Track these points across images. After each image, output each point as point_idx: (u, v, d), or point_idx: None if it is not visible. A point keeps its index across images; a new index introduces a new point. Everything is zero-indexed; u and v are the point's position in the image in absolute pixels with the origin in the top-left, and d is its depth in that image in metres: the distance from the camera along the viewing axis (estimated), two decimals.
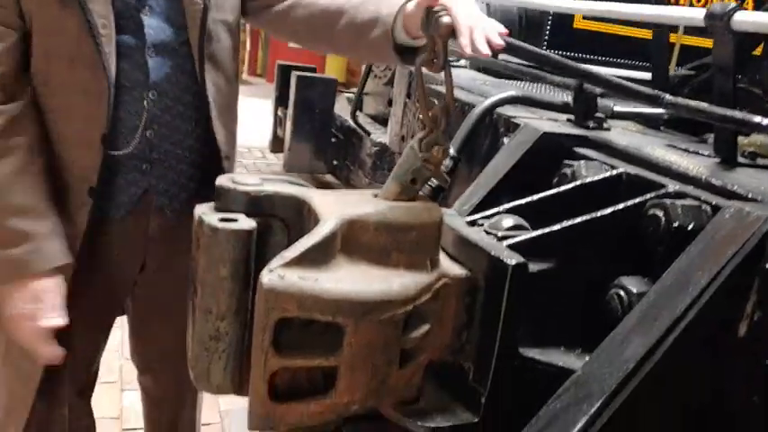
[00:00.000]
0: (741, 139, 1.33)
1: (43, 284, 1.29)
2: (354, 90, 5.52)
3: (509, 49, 1.28)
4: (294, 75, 4.62)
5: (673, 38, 4.02)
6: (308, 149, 4.64)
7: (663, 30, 1.74)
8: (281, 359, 0.87)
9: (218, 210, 1.02)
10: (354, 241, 0.94)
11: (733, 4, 1.24)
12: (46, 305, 1.30)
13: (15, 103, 1.26)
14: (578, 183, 1.17)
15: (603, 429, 0.85)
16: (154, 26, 1.33)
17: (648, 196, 1.06)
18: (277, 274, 0.85)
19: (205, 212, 0.98)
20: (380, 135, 3.95)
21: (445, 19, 0.95)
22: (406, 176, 0.98)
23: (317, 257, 0.89)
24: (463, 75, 2.37)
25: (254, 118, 6.30)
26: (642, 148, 1.26)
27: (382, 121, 4.35)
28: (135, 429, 2.29)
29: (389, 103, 3.43)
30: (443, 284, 1.01)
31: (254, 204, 1.01)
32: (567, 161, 1.25)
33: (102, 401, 2.41)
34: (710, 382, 0.91)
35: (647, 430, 0.88)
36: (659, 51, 1.70)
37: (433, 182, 1.45)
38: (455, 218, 1.13)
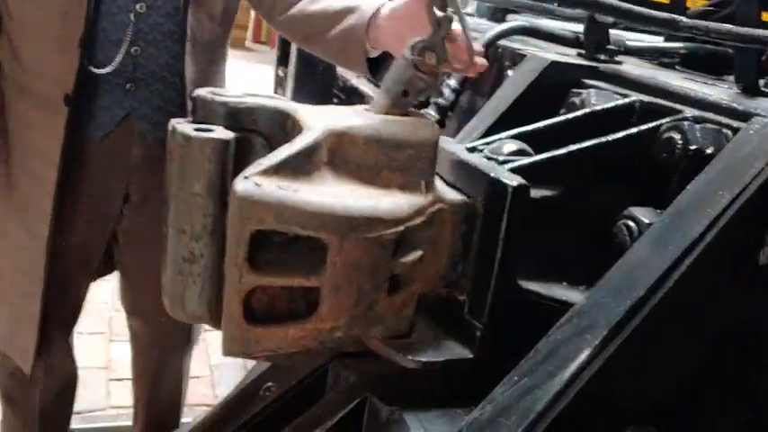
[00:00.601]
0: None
1: None
2: None
3: None
4: None
5: (689, 3, 3.90)
6: None
7: None
8: (258, 276, 0.80)
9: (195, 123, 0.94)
10: (342, 156, 0.86)
11: None
12: None
13: None
14: (588, 110, 1.09)
15: (608, 362, 0.78)
16: None
17: (664, 121, 0.98)
18: (253, 182, 0.77)
19: (179, 122, 0.90)
20: None
21: None
22: (396, 87, 0.89)
23: (299, 168, 0.81)
24: (469, 22, 2.27)
25: (258, 84, 6.20)
26: (657, 77, 1.18)
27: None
28: (122, 380, 2.25)
29: None
30: (438, 209, 0.93)
31: (234, 117, 0.93)
32: (575, 90, 1.16)
33: (90, 352, 2.37)
34: (732, 311, 0.83)
35: (658, 364, 0.81)
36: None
37: (433, 115, 1.37)
38: (453, 144, 1.05)
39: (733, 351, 0.84)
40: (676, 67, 1.49)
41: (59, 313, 1.47)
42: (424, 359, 0.92)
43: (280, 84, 5.10)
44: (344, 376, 1.00)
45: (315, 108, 0.94)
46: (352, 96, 4.30)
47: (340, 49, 1.25)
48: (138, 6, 1.25)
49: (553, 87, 1.22)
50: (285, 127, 0.93)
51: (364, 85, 4.09)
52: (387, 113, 0.90)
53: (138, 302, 1.63)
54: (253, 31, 11.51)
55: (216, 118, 0.93)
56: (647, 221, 0.94)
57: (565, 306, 0.95)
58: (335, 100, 4.62)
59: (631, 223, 0.95)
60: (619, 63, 1.32)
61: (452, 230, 0.95)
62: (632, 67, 1.29)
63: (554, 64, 1.22)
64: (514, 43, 1.42)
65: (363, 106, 0.94)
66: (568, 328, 0.82)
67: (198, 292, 0.92)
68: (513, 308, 0.94)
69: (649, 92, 1.13)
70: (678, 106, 1.04)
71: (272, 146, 0.97)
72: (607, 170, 0.99)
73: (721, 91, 1.13)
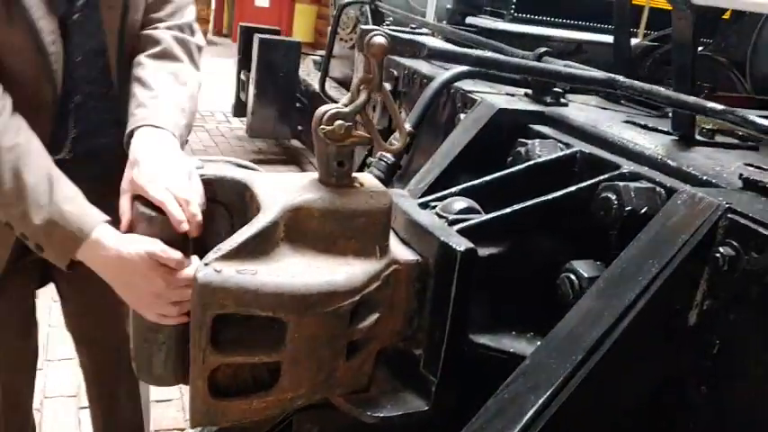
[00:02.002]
0: (701, 117, 1.31)
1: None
2: (321, 52, 5.42)
3: (452, 57, 1.23)
4: (256, 38, 4.51)
5: (642, 0, 3.97)
6: (271, 114, 4.54)
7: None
8: (221, 356, 0.84)
9: None
10: (299, 229, 0.90)
11: None
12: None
13: None
14: (531, 163, 1.14)
15: (553, 419, 0.84)
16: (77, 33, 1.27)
17: (602, 178, 1.04)
18: (212, 269, 0.81)
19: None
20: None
21: (377, 39, 0.89)
22: (329, 161, 0.92)
23: (257, 249, 0.85)
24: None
25: (218, 80, 6.15)
26: (599, 124, 1.24)
27: (349, 84, 4.26)
28: None
29: None
30: (393, 270, 0.98)
31: None
32: (521, 140, 1.22)
33: (59, 379, 2.36)
34: (662, 370, 0.90)
35: (597, 419, 0.87)
36: (621, 23, 1.66)
37: (389, 158, 1.42)
38: (407, 200, 1.10)
39: (668, 402, 0.91)
40: (622, 101, 1.56)
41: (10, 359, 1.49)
42: (381, 414, 0.97)
43: (242, 87, 5.11)
44: (308, 429, 1.05)
45: (271, 178, 0.98)
46: (315, 101, 4.33)
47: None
48: (76, 99, 1.28)
49: (501, 133, 1.27)
50: (244, 197, 0.97)
51: (329, 98, 4.11)
52: (334, 185, 0.93)
53: (82, 334, 1.63)
54: (214, 24, 11.40)
55: None
56: (586, 275, 1.00)
57: (513, 358, 1.01)
58: (298, 104, 4.64)
59: (573, 276, 1.01)
60: (565, 105, 1.38)
61: (407, 289, 1.00)
62: (577, 110, 1.35)
63: (501, 111, 1.27)
64: (467, 84, 1.47)
65: (315, 175, 0.96)
66: (515, 387, 0.88)
67: (163, 358, 0.96)
68: (465, 361, 0.99)
69: (591, 141, 1.19)
70: (616, 159, 1.10)
71: (232, 214, 1.01)
72: (549, 226, 1.05)
73: (658, 139, 1.20)
